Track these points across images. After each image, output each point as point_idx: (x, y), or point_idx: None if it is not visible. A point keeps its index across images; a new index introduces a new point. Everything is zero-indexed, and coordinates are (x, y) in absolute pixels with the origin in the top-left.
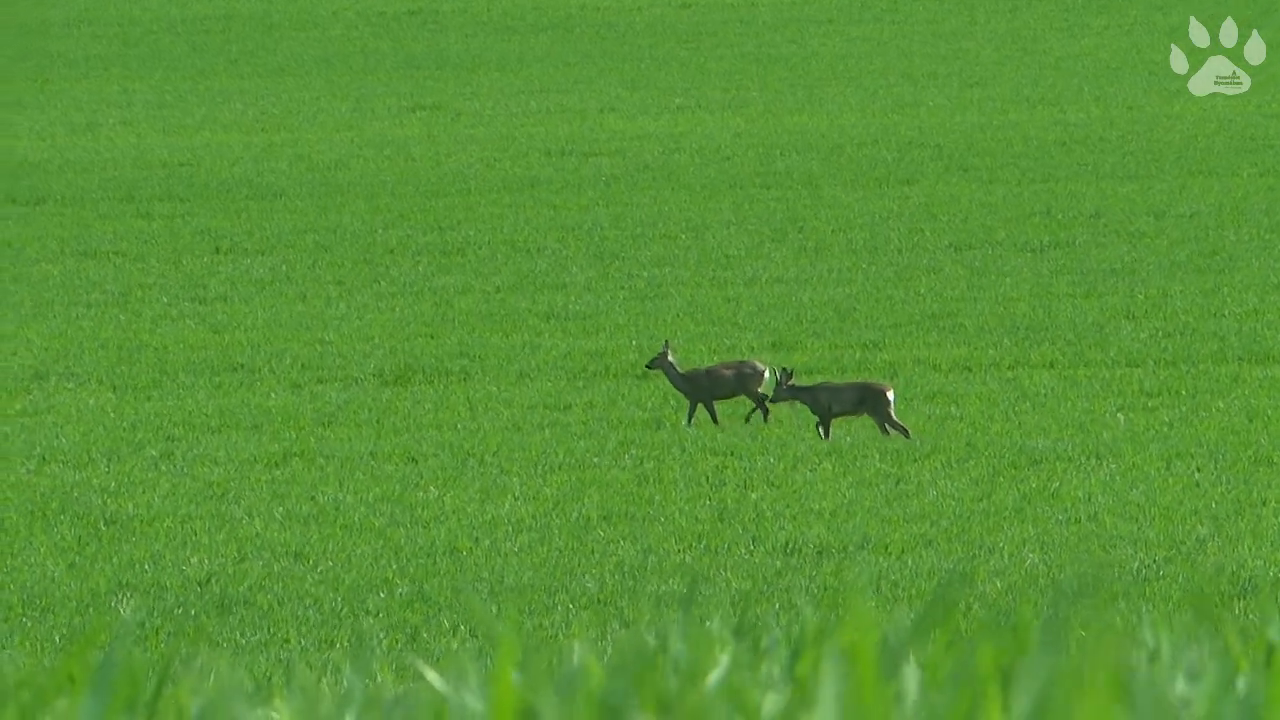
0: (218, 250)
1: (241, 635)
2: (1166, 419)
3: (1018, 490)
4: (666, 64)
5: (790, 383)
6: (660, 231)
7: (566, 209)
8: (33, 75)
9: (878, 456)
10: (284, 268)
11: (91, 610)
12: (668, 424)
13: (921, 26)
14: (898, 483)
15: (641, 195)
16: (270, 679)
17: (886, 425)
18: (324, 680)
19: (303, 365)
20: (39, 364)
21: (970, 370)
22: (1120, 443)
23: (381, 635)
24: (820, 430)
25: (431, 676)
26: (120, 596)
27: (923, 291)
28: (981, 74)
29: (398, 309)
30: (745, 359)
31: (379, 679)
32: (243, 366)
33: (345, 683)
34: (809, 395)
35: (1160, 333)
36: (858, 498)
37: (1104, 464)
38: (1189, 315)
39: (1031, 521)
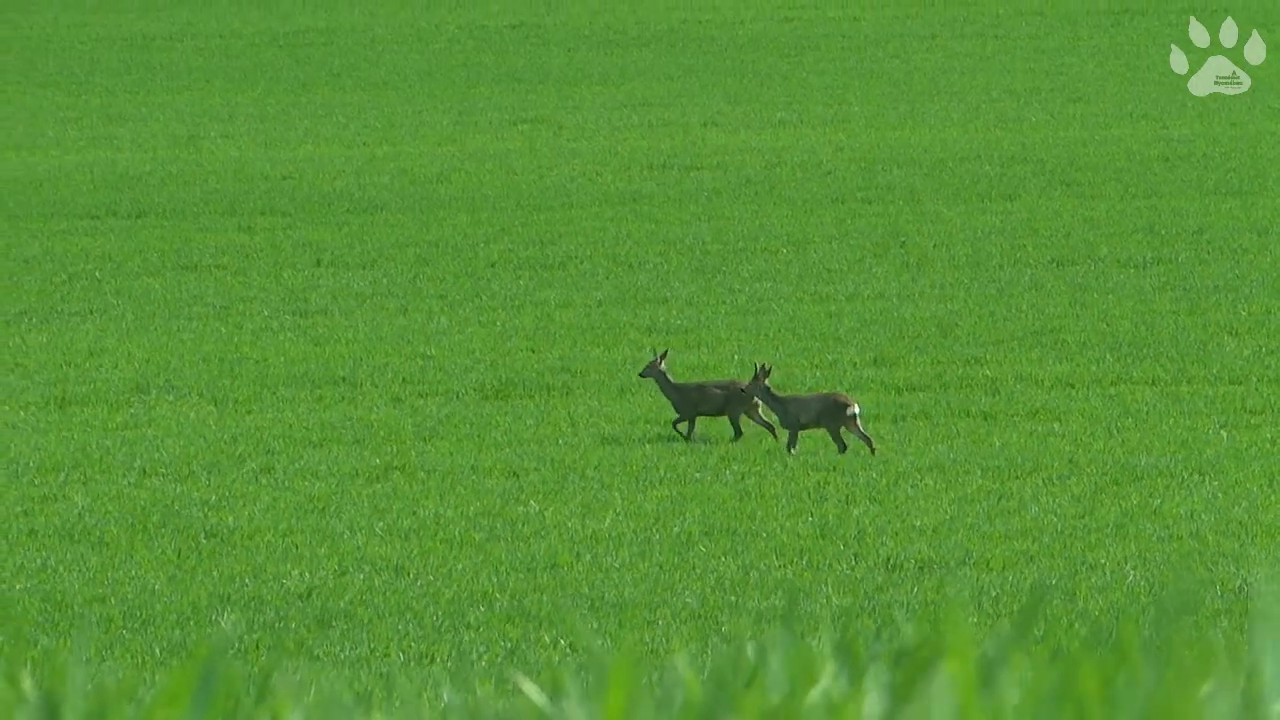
0: (319, 263)
1: (341, 649)
2: (1269, 436)
3: (1119, 507)
4: (768, 78)
5: (766, 383)
6: (762, 246)
7: (668, 223)
8: (135, 88)
9: (979, 473)
10: (385, 281)
11: (192, 623)
12: (769, 439)
13: (1024, 42)
14: (999, 499)
15: (743, 209)
16: (371, 693)
17: (845, 440)
18: (424, 694)
19: (404, 379)
20: (140, 377)
21: (1072, 386)
22: (1223, 460)
23: (482, 650)
24: (774, 436)
25: (531, 691)
26: (221, 610)
27: (1025, 308)
28: (1084, 89)
29: (499, 323)
30: (734, 379)
31: (479, 693)
32: (343, 380)
33: (445, 697)
34: (779, 405)
35: (1263, 350)
36: (959, 514)
37: (1206, 481)
38: None
39: (1133, 538)
